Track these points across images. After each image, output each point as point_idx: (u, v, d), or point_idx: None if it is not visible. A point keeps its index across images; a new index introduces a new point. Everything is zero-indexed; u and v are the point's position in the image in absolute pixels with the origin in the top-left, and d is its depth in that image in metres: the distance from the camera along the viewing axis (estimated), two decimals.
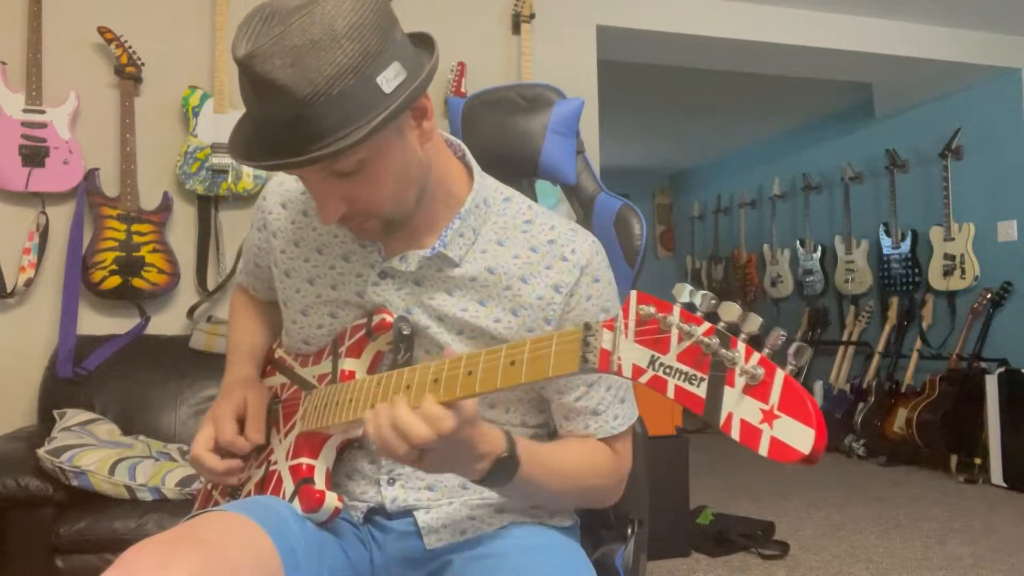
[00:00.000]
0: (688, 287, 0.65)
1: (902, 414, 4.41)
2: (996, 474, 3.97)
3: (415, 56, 0.85)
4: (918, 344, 4.68)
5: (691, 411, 0.63)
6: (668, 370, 0.64)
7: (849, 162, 5.31)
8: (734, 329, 0.62)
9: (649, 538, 1.21)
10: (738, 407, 0.59)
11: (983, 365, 4.30)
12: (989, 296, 4.37)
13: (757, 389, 0.59)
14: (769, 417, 0.58)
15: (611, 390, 0.98)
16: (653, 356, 0.65)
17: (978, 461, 4.06)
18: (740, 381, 0.59)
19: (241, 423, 1.01)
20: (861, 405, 4.79)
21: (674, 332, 0.64)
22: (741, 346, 0.60)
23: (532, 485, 0.91)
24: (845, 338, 5.25)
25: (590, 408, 0.97)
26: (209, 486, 1.13)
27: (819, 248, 5.61)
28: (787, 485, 4.09)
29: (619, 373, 0.67)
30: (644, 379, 0.66)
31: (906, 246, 4.88)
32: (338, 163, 0.82)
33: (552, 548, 0.92)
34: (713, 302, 0.64)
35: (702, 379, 0.62)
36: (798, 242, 5.78)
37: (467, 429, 0.79)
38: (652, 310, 0.66)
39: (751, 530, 3.07)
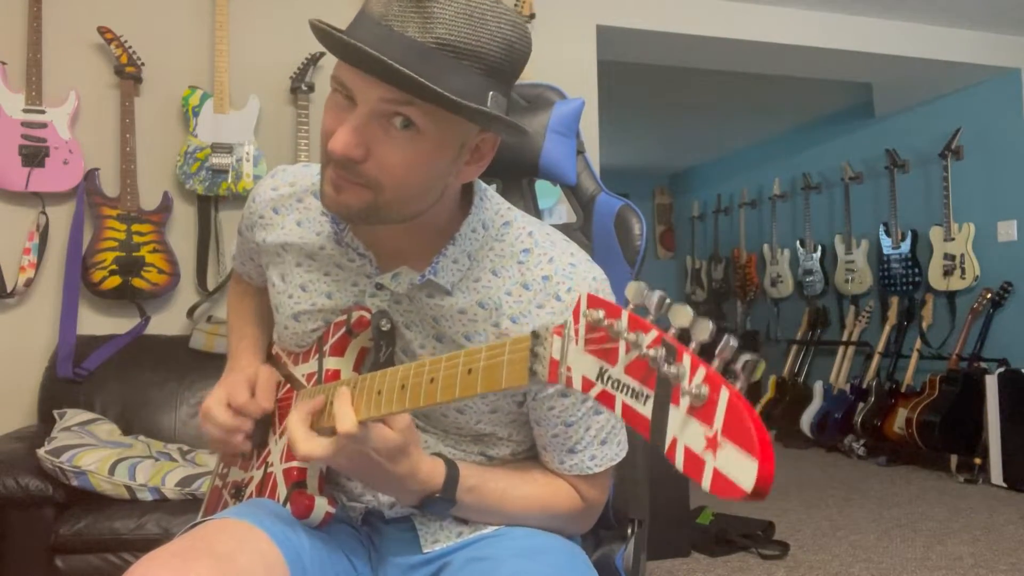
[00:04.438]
0: (643, 286, 0.58)
1: (902, 414, 4.41)
2: (996, 474, 3.97)
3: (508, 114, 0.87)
4: (918, 344, 4.67)
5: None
6: (616, 384, 0.56)
7: (849, 162, 5.31)
8: (685, 337, 0.53)
9: (649, 538, 1.21)
10: (683, 432, 0.51)
11: (983, 365, 4.30)
12: (989, 296, 4.37)
13: (702, 410, 0.50)
14: (712, 444, 0.49)
15: (590, 431, 0.93)
16: (602, 367, 0.57)
17: (978, 461, 4.06)
18: (685, 401, 0.51)
19: (252, 394, 1.01)
20: (861, 405, 4.79)
21: (622, 341, 0.56)
22: (687, 359, 0.52)
23: (475, 514, 0.93)
24: (845, 338, 5.25)
25: (567, 446, 0.94)
26: (219, 484, 1.12)
27: (819, 248, 5.61)
28: (787, 485, 4.09)
29: (568, 385, 0.60)
30: (594, 392, 0.58)
31: (906, 246, 4.88)
32: (409, 107, 0.78)
33: (552, 550, 0.91)
34: (667, 303, 0.56)
35: (648, 396, 0.53)
36: (798, 242, 5.78)
37: (386, 448, 0.81)
38: (601, 315, 0.57)
39: (751, 530, 3.07)
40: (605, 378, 0.57)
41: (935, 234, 4.67)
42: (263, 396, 1.00)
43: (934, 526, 3.32)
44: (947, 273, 4.58)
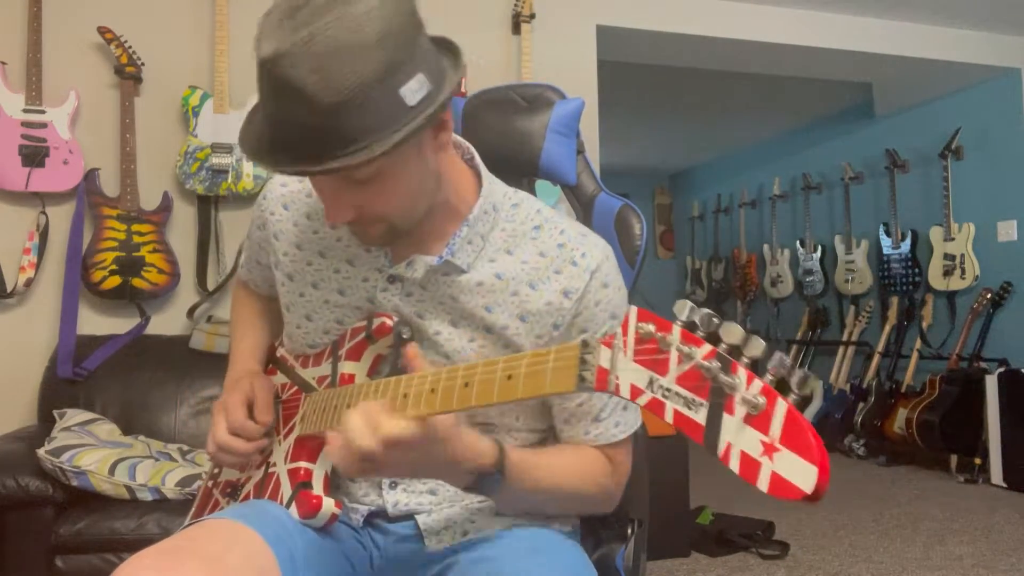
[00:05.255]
0: (689, 304, 0.63)
1: (902, 414, 4.41)
2: (996, 474, 3.97)
3: (438, 65, 0.83)
4: (918, 344, 4.67)
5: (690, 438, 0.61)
6: (667, 393, 0.61)
7: (849, 162, 5.31)
8: (735, 352, 0.59)
9: (649, 538, 1.21)
10: (738, 437, 0.56)
11: (983, 365, 4.30)
12: (989, 296, 4.37)
13: (758, 419, 0.56)
14: (770, 450, 0.55)
15: (614, 396, 0.96)
16: (652, 377, 0.63)
17: (978, 461, 4.06)
18: (740, 410, 0.56)
19: (249, 411, 1.01)
20: (861, 405, 4.79)
21: (673, 353, 0.61)
22: (742, 372, 0.57)
23: (521, 494, 0.92)
24: (845, 338, 5.25)
25: (592, 414, 0.96)
26: (209, 484, 1.12)
27: (819, 248, 5.61)
28: None
29: (616, 393, 0.66)
30: (642, 400, 0.63)
31: (906, 246, 4.88)
32: (355, 173, 0.81)
33: (553, 550, 0.92)
34: (715, 321, 0.61)
35: (701, 404, 0.59)
36: (798, 242, 5.78)
37: (438, 446, 0.79)
38: (652, 329, 0.63)
39: (751, 530, 3.07)
40: (655, 387, 0.63)
41: (935, 234, 4.66)
42: (261, 412, 1.01)
43: (934, 526, 3.32)
44: (947, 273, 4.58)
